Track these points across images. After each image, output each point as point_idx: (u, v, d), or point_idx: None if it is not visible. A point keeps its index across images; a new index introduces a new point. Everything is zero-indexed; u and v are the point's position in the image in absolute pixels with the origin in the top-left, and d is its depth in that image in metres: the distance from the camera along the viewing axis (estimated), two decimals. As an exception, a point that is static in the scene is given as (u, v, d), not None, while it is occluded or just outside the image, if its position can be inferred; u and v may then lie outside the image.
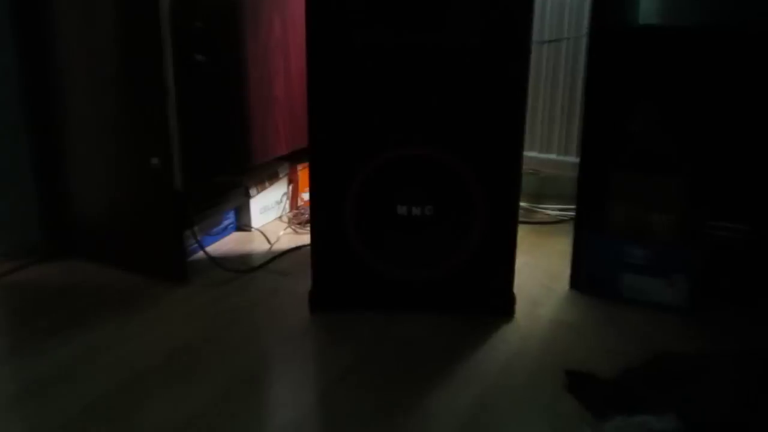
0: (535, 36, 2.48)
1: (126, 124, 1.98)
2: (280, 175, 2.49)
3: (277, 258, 2.20)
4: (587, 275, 1.99)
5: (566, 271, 2.05)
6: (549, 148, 2.60)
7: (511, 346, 1.76)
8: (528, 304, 1.94)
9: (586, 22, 2.37)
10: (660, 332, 1.80)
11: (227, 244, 2.32)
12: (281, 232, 2.39)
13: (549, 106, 2.57)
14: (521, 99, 1.71)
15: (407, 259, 1.82)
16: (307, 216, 2.44)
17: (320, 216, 1.81)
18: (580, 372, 1.62)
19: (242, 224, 2.42)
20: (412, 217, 1.79)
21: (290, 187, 2.55)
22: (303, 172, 2.53)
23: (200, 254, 2.17)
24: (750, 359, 1.53)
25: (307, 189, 2.36)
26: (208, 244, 2.27)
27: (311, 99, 1.72)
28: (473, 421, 1.48)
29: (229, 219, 2.38)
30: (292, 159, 2.50)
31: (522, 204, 2.29)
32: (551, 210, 2.56)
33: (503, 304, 1.88)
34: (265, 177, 2.44)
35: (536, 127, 2.60)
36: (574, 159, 2.52)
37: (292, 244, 2.29)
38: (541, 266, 2.16)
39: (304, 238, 2.31)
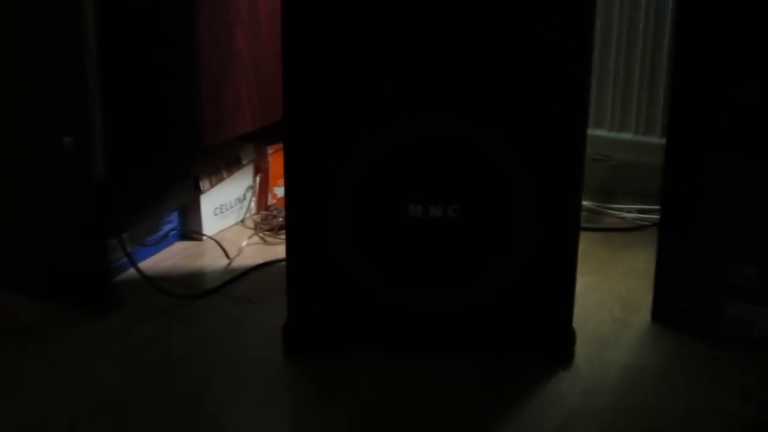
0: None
1: (28, 89, 1.98)
2: (244, 162, 2.48)
3: (238, 278, 2.21)
4: (677, 303, 2.00)
5: (647, 298, 2.05)
6: (624, 125, 2.59)
7: (569, 403, 1.75)
8: (593, 343, 1.94)
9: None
10: (781, 384, 1.82)
11: (169, 258, 2.32)
12: (244, 242, 2.39)
13: (624, 65, 2.56)
14: (585, 55, 1.71)
15: (423, 279, 1.84)
16: (280, 219, 2.44)
17: (300, 219, 1.82)
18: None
19: (189, 231, 2.42)
20: (429, 219, 1.79)
21: (257, 179, 2.54)
22: (276, 158, 2.52)
23: (131, 272, 2.17)
24: None
25: (282, 181, 2.33)
26: (143, 259, 2.27)
27: (287, 54, 1.71)
28: None
29: (172, 223, 2.38)
30: (261, 139, 2.50)
31: (585, 203, 2.40)
32: (627, 211, 2.56)
33: (558, 344, 1.88)
34: (222, 164, 2.43)
35: (606, 96, 2.59)
36: (658, 140, 2.51)
37: (260, 259, 2.29)
38: (612, 290, 2.17)
39: (277, 251, 2.31)
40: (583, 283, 2.11)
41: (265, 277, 2.21)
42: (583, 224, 2.08)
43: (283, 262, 1.88)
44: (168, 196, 2.30)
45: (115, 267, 2.16)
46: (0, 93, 2.02)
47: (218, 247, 2.36)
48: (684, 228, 1.96)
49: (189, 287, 2.15)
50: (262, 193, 2.55)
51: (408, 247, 1.81)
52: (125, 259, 2.14)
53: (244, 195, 2.52)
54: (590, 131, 2.38)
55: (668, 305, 2.00)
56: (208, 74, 2.20)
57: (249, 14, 2.26)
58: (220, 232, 2.45)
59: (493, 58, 1.71)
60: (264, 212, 2.54)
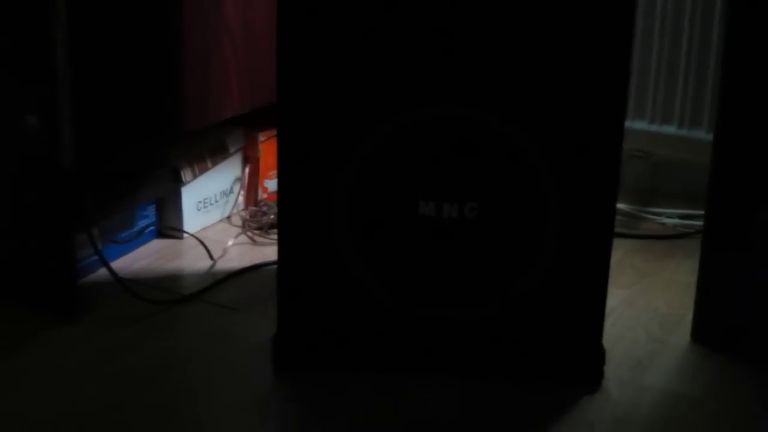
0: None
1: None
2: (231, 150, 2.49)
3: (222, 282, 2.22)
4: (721, 322, 2.00)
5: (688, 315, 2.06)
6: (666, 118, 2.63)
7: None
8: (627, 365, 1.94)
9: None
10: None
11: (144, 257, 2.33)
12: (230, 242, 2.40)
13: (668, 49, 2.59)
14: (624, 37, 1.72)
15: (433, 288, 1.84)
16: (272, 217, 2.45)
17: (294, 217, 1.81)
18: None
19: (168, 227, 2.43)
20: (443, 220, 1.79)
21: (246, 170, 2.55)
22: (268, 146, 2.52)
23: (100, 273, 2.17)
24: None
25: (274, 173, 2.29)
26: (114, 258, 2.27)
27: (282, 24, 1.71)
28: None
29: (148, 218, 2.39)
30: (251, 124, 2.51)
31: (621, 206, 2.45)
32: (668, 216, 2.59)
33: (587, 366, 1.88)
34: (206, 152, 2.43)
35: (647, 84, 2.62)
36: (705, 135, 2.55)
37: (247, 262, 2.31)
38: (649, 306, 2.17)
39: (267, 252, 2.32)
40: (616, 296, 2.12)
41: (253, 282, 2.22)
42: (618, 230, 2.10)
43: (274, 266, 1.91)
44: (144, 186, 2.30)
45: (83, 266, 2.16)
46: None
47: (200, 247, 2.35)
48: (732, 237, 1.95)
49: (166, 291, 2.16)
50: (251, 186, 2.56)
51: (418, 251, 1.81)
52: (94, 258, 2.14)
53: (231, 188, 2.52)
54: (628, 124, 2.46)
55: (711, 324, 2.00)
56: (192, 47, 2.21)
57: (240, -21, 2.40)
58: (203, 229, 2.46)
59: (520, 37, 1.70)
60: (253, 208, 2.54)
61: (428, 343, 1.86)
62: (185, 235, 2.40)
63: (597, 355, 1.86)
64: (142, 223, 2.35)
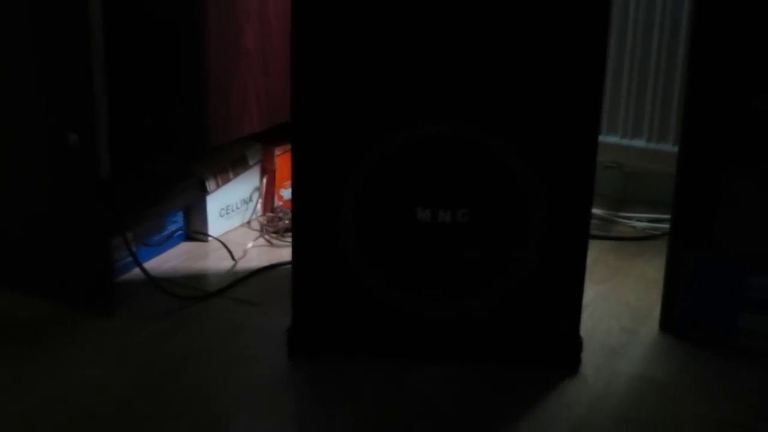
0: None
1: (31, 84, 2.00)
2: (250, 163, 2.52)
3: (242, 280, 2.24)
4: (686, 313, 2.03)
5: (656, 308, 2.09)
6: (636, 132, 2.65)
7: (575, 414, 1.78)
8: (601, 353, 1.97)
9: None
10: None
11: (172, 258, 2.35)
12: (250, 244, 2.43)
13: (638, 71, 2.60)
14: (598, 60, 1.74)
15: (430, 285, 1.87)
16: (286, 222, 2.49)
17: (306, 222, 1.84)
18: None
19: (194, 231, 2.46)
20: (438, 225, 1.82)
21: (264, 180, 2.58)
22: (283, 159, 2.55)
23: (134, 272, 2.19)
24: None
25: (289, 183, 2.35)
26: (146, 259, 2.29)
27: (296, 52, 1.74)
28: None
29: (177, 223, 2.42)
30: (268, 139, 2.53)
31: (596, 211, 2.47)
32: (637, 220, 2.60)
33: (565, 353, 1.91)
34: (228, 164, 2.46)
35: (619, 102, 2.64)
36: (671, 148, 2.57)
37: (265, 262, 2.33)
38: (620, 299, 2.19)
39: (283, 254, 2.35)
40: (592, 291, 2.16)
41: (270, 280, 2.23)
42: (594, 232, 2.19)
43: (289, 265, 1.92)
44: (173, 195, 2.33)
45: (118, 267, 2.19)
46: (4, 90, 2.04)
47: (223, 249, 2.37)
48: (695, 237, 1.98)
49: (193, 289, 2.17)
50: (269, 194, 2.59)
51: (416, 253, 1.83)
52: (129, 259, 2.16)
53: (250, 196, 2.55)
54: (602, 138, 2.44)
55: (677, 315, 2.02)
56: (216, 72, 2.21)
57: (258, 11, 2.28)
58: (226, 233, 2.48)
59: (506, 62, 1.73)
60: (270, 214, 2.57)
61: (424, 333, 1.87)
62: (210, 238, 2.42)
63: (575, 343, 1.89)
64: (172, 228, 2.38)
